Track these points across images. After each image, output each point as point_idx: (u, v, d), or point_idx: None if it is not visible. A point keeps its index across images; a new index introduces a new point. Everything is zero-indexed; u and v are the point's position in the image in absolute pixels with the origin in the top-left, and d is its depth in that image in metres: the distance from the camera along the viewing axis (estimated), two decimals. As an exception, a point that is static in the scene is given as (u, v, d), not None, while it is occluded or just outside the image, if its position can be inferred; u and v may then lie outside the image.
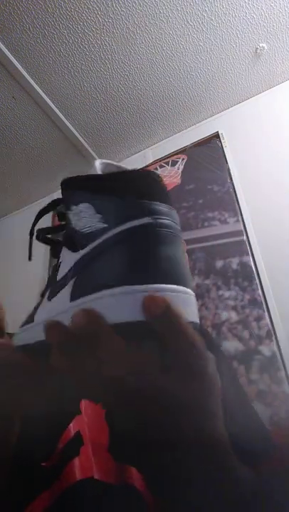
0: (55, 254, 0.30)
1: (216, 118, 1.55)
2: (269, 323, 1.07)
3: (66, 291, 0.24)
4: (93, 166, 0.28)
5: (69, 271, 0.25)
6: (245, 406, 0.48)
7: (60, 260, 0.28)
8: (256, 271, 1.16)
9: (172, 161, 1.54)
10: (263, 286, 1.13)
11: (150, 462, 0.24)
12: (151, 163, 1.61)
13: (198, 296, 1.20)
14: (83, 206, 0.25)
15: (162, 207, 0.24)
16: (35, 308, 0.30)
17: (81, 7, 1.14)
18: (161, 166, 1.57)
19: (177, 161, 1.52)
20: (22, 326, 0.30)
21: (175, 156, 1.54)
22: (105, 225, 0.23)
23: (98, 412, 0.41)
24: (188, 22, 1.22)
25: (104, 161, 0.29)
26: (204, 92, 1.46)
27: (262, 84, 1.46)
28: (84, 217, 0.25)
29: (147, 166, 1.61)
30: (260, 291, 1.12)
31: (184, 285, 0.23)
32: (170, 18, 1.20)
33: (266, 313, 1.08)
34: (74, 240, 0.25)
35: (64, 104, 1.45)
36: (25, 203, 1.96)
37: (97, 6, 1.14)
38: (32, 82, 1.34)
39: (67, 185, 0.28)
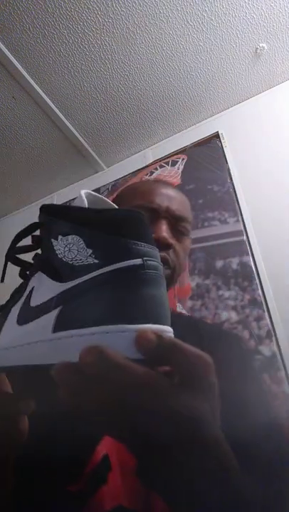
0: (24, 276, 0.30)
1: (216, 118, 1.55)
2: (269, 323, 1.07)
3: (47, 320, 0.24)
4: (79, 195, 0.29)
5: (50, 300, 0.25)
6: (262, 403, 0.48)
7: (33, 285, 0.28)
8: (256, 271, 1.16)
9: (172, 161, 1.54)
10: (263, 286, 1.13)
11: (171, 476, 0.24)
12: (151, 163, 1.61)
13: (198, 296, 1.20)
14: (72, 238, 0.26)
15: (150, 248, 0.25)
16: None
17: (81, 7, 1.14)
18: (161, 166, 1.57)
19: (177, 161, 1.52)
20: None
21: (175, 156, 1.54)
22: (96, 261, 0.24)
23: None
24: (188, 22, 1.22)
25: (90, 192, 0.30)
26: (204, 92, 1.46)
27: (262, 84, 1.46)
28: (73, 249, 0.25)
29: (147, 166, 1.61)
30: (260, 291, 1.12)
31: (168, 324, 0.24)
32: (170, 18, 1.20)
33: (266, 313, 1.08)
34: (59, 270, 0.26)
35: (64, 104, 1.45)
36: (25, 203, 1.96)
37: (97, 6, 1.14)
38: (32, 82, 1.34)
39: (49, 212, 0.28)
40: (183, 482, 0.22)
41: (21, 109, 1.45)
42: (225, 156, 1.41)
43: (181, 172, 1.48)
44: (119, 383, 0.21)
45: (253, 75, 1.42)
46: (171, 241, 0.56)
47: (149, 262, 0.24)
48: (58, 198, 1.86)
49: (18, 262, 0.31)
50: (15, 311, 0.28)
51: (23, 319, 0.26)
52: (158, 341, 0.21)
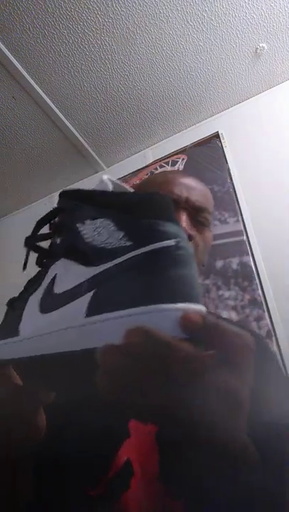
0: (41, 263, 0.29)
1: (216, 118, 1.55)
2: (269, 323, 1.07)
3: (78, 306, 0.24)
4: (102, 181, 0.28)
5: (80, 285, 0.25)
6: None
7: (55, 272, 0.27)
8: (256, 271, 1.16)
9: (172, 161, 1.54)
10: (263, 286, 1.13)
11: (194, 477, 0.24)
12: (151, 163, 1.61)
13: (198, 296, 1.20)
14: (101, 222, 0.25)
15: (179, 230, 0.25)
16: (14, 321, 0.28)
17: (81, 7, 1.14)
18: (161, 166, 1.57)
19: (177, 161, 1.52)
20: (4, 338, 0.27)
21: (175, 156, 1.54)
22: (128, 244, 0.24)
23: (148, 434, 0.38)
24: (188, 22, 1.22)
25: (111, 178, 0.29)
26: (204, 92, 1.46)
27: (262, 84, 1.46)
28: (103, 233, 0.25)
29: (147, 166, 1.61)
30: (260, 291, 1.12)
31: (200, 303, 0.24)
32: (170, 18, 1.20)
33: (266, 313, 1.08)
34: (89, 254, 0.25)
35: (64, 104, 1.45)
36: (25, 203, 1.96)
37: (97, 6, 1.14)
38: (32, 82, 1.34)
39: (72, 197, 0.28)
40: (191, 478, 0.22)
41: (21, 109, 1.45)
42: (225, 156, 1.41)
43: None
44: (167, 361, 0.21)
45: (253, 75, 1.42)
46: (191, 232, 0.54)
47: (180, 243, 0.25)
48: (58, 198, 1.86)
49: (39, 250, 0.30)
50: (34, 300, 0.27)
51: (47, 307, 0.26)
52: (203, 322, 0.22)
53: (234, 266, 1.19)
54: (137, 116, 1.53)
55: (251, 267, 1.16)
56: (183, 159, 1.51)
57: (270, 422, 0.35)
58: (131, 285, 0.23)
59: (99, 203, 0.26)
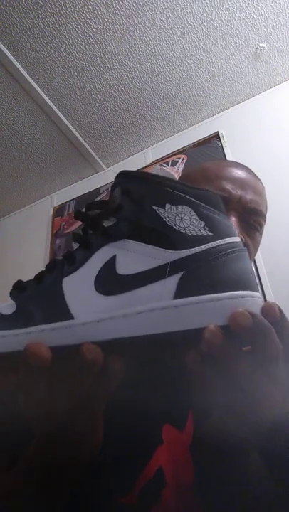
0: (87, 244, 0.28)
1: (216, 118, 1.55)
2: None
3: (162, 287, 0.24)
4: (160, 169, 0.29)
5: (161, 267, 0.25)
6: None
7: (113, 253, 0.26)
8: (256, 271, 1.16)
9: (172, 161, 1.54)
10: (263, 286, 1.13)
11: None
12: (151, 163, 1.61)
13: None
14: (183, 208, 0.26)
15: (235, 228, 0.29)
16: (47, 304, 0.26)
17: (81, 7, 1.14)
18: (161, 166, 1.57)
19: (177, 161, 1.52)
20: (48, 322, 0.25)
21: (175, 156, 1.54)
22: (210, 234, 0.26)
23: (182, 442, 0.36)
24: (188, 22, 1.22)
25: (164, 168, 0.30)
26: (204, 92, 1.46)
27: (262, 84, 1.46)
28: (185, 219, 0.26)
29: (147, 166, 1.61)
30: (260, 291, 1.12)
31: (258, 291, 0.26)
32: (170, 18, 1.20)
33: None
34: (171, 238, 0.26)
35: (64, 104, 1.45)
36: (25, 203, 1.96)
37: (97, 6, 1.14)
38: (32, 82, 1.34)
39: (149, 179, 0.28)
40: (226, 492, 0.23)
41: (21, 109, 1.45)
42: (225, 156, 1.40)
43: (181, 172, 1.48)
44: (264, 347, 0.22)
45: (253, 75, 1.42)
46: (242, 237, 0.48)
47: (240, 239, 0.28)
48: (57, 198, 1.86)
49: (94, 226, 0.28)
50: (79, 281, 0.26)
51: (111, 289, 0.25)
52: (280, 313, 0.24)
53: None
54: (137, 116, 1.53)
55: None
56: (183, 159, 1.51)
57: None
58: (218, 272, 0.25)
59: (176, 189, 0.27)
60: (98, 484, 0.32)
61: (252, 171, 0.58)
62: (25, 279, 0.30)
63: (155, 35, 1.24)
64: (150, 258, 0.25)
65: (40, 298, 0.26)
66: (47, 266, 0.28)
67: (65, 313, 0.24)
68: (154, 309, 0.23)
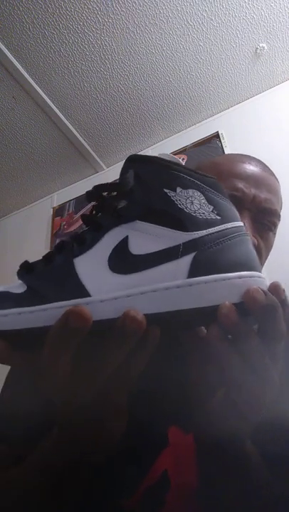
0: (97, 225, 0.28)
1: (216, 118, 1.55)
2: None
3: (175, 267, 0.25)
4: (167, 155, 0.30)
5: (174, 248, 0.26)
6: None
7: (125, 233, 0.27)
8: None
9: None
10: (263, 286, 1.13)
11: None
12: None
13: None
14: (193, 192, 0.28)
15: None
16: (59, 283, 0.26)
17: (81, 7, 1.14)
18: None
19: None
20: (66, 299, 0.25)
21: (175, 156, 1.54)
22: (218, 218, 0.28)
23: (188, 445, 0.35)
24: (188, 22, 1.22)
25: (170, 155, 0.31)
26: (204, 92, 1.46)
27: (262, 84, 1.46)
28: (195, 203, 0.28)
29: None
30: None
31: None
32: (170, 18, 1.20)
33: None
34: (182, 220, 0.27)
35: (64, 104, 1.45)
36: (25, 203, 1.96)
37: (97, 6, 1.14)
38: (32, 82, 1.34)
39: (145, 161, 0.29)
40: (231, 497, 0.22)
41: (21, 109, 1.45)
42: (225, 156, 1.41)
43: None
44: (273, 325, 0.23)
45: (253, 75, 1.42)
46: (253, 239, 0.46)
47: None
48: (57, 198, 1.86)
49: (106, 208, 0.29)
50: (92, 261, 0.27)
51: (126, 268, 0.26)
52: (284, 293, 0.25)
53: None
54: (137, 116, 1.53)
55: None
56: (183, 159, 1.51)
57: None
58: (226, 253, 0.26)
59: (186, 174, 0.28)
60: (101, 485, 0.31)
61: (266, 166, 0.56)
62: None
63: (155, 35, 1.24)
64: (163, 239, 0.26)
65: (51, 277, 0.27)
66: (55, 247, 0.29)
67: (82, 291, 0.25)
68: (170, 287, 0.24)
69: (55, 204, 1.83)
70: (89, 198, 0.29)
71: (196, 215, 0.27)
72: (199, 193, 0.28)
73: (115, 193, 0.29)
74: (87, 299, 0.24)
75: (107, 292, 0.25)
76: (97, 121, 1.53)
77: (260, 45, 1.31)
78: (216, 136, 1.48)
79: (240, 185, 0.47)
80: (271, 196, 0.50)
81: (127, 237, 0.27)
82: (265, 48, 1.32)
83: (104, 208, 0.29)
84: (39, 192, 1.90)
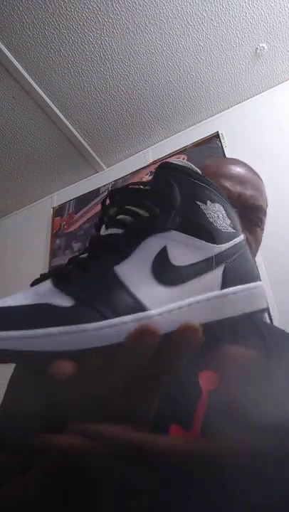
0: (132, 232, 0.27)
1: (216, 118, 1.55)
2: (269, 323, 1.07)
3: (211, 279, 0.27)
4: (187, 163, 0.31)
5: (208, 260, 0.27)
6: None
7: (163, 244, 0.26)
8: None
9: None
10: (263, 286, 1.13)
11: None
12: (152, 163, 1.61)
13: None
14: (218, 206, 0.29)
15: None
16: (110, 294, 0.24)
17: (81, 7, 1.14)
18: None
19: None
20: (126, 313, 0.23)
21: (175, 156, 1.54)
22: (234, 231, 0.30)
23: None
24: (188, 22, 1.22)
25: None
26: (204, 92, 1.46)
27: (262, 84, 1.46)
28: (220, 217, 0.29)
29: (147, 166, 1.61)
30: (260, 291, 1.12)
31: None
32: (170, 18, 1.20)
33: (266, 314, 1.08)
34: (213, 233, 0.28)
35: (64, 104, 1.45)
36: (25, 203, 1.96)
37: (97, 6, 1.14)
38: (32, 82, 1.34)
39: (191, 175, 0.29)
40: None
41: (21, 109, 1.45)
42: (225, 156, 1.40)
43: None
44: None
45: (253, 75, 1.42)
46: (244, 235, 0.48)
47: None
48: (57, 198, 1.86)
49: (136, 214, 0.28)
50: (135, 269, 0.25)
51: (170, 280, 0.25)
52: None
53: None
54: (137, 116, 1.53)
55: (251, 267, 1.16)
56: (183, 159, 1.51)
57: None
58: (244, 264, 0.29)
59: (213, 188, 0.30)
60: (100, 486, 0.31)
61: (250, 167, 0.58)
62: (25, 279, 0.28)
63: (155, 35, 1.24)
64: (198, 250, 0.27)
65: (98, 288, 0.24)
66: (90, 254, 0.27)
67: (138, 304, 0.24)
68: (210, 299, 0.26)
69: (55, 204, 1.83)
70: (122, 201, 0.28)
71: (221, 228, 0.29)
72: (222, 208, 0.29)
73: (149, 200, 0.28)
74: (147, 313, 0.23)
75: (161, 305, 0.24)
76: (97, 121, 1.53)
77: (260, 45, 1.31)
78: (216, 136, 1.48)
79: (226, 184, 0.50)
80: (256, 193, 0.52)
81: (165, 247, 0.27)
82: (265, 48, 1.32)
83: (137, 214, 0.28)
84: (39, 192, 1.90)
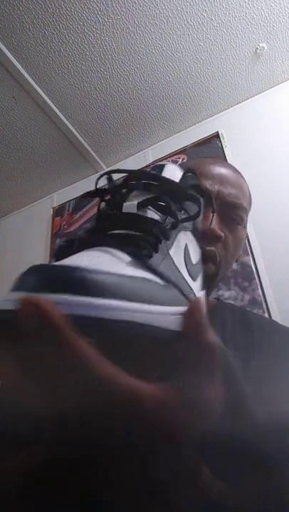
0: (173, 224, 0.27)
1: (216, 118, 1.55)
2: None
3: (202, 277, 0.30)
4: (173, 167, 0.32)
5: (200, 259, 0.31)
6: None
7: (185, 242, 0.28)
8: (256, 271, 1.16)
9: (172, 161, 1.54)
10: (263, 286, 1.13)
11: None
12: (151, 163, 1.61)
13: (199, 296, 1.20)
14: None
15: None
16: (175, 284, 0.23)
17: (81, 7, 1.14)
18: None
19: (177, 161, 1.52)
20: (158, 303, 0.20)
21: (175, 156, 1.54)
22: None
23: None
24: (188, 22, 1.22)
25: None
26: (204, 92, 1.46)
27: (262, 84, 1.46)
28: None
29: (147, 166, 1.61)
30: (260, 291, 1.12)
31: None
32: (170, 18, 1.20)
33: (266, 314, 1.08)
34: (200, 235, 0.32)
35: (64, 104, 1.45)
36: (25, 203, 1.96)
37: (97, 6, 1.14)
38: (32, 82, 1.34)
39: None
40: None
41: (21, 109, 1.45)
42: (225, 156, 1.40)
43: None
44: None
45: (253, 75, 1.42)
46: (220, 232, 0.47)
47: None
48: (57, 198, 1.86)
49: (166, 210, 0.27)
50: (177, 261, 0.26)
51: (193, 273, 0.28)
52: None
53: (234, 266, 1.19)
54: (137, 116, 1.53)
55: (251, 267, 1.16)
56: (183, 159, 1.51)
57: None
58: None
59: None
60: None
61: (234, 167, 0.59)
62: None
63: (155, 35, 1.24)
64: (198, 251, 0.30)
65: (169, 268, 0.24)
66: (146, 234, 0.25)
67: (193, 292, 0.26)
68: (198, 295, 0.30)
69: (55, 204, 1.83)
70: (163, 195, 0.27)
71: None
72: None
73: (188, 199, 0.29)
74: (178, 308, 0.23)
75: (195, 296, 0.27)
76: (97, 121, 1.53)
77: (260, 45, 1.31)
78: (216, 136, 1.48)
79: (206, 183, 0.51)
80: (236, 191, 0.53)
81: (186, 245, 0.29)
82: (265, 48, 1.32)
83: (169, 208, 0.27)
84: (39, 192, 1.90)
